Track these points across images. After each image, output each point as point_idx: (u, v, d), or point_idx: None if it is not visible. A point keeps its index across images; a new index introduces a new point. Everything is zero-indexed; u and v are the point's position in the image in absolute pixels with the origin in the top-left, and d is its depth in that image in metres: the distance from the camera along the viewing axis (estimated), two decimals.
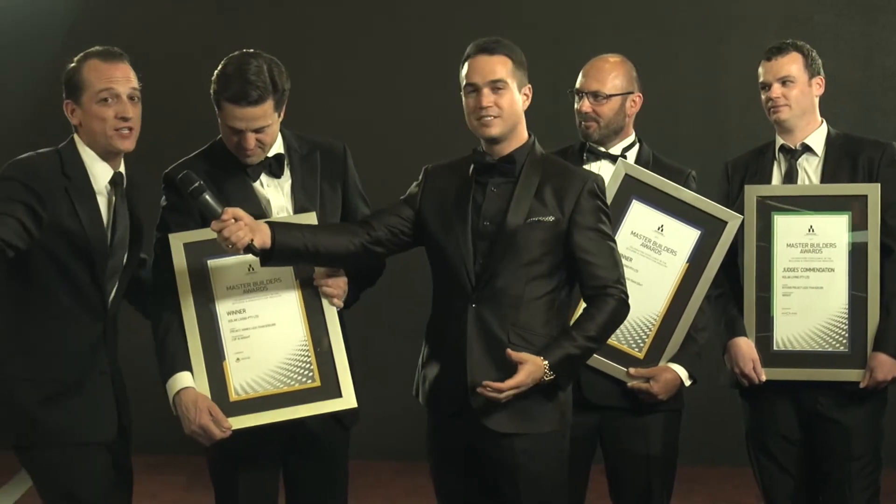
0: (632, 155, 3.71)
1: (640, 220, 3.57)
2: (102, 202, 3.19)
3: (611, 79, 3.65)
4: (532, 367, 3.07)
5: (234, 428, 3.14)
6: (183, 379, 3.15)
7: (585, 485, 3.72)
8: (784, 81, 3.77)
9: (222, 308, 3.23)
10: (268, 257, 3.13)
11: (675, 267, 3.58)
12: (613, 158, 3.67)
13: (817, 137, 3.83)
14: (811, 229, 3.71)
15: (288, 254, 3.14)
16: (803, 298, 3.70)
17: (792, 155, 3.82)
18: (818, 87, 3.83)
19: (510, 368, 3.08)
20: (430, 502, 3.43)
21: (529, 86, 3.26)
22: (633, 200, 3.57)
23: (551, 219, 3.17)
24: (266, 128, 3.21)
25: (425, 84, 6.25)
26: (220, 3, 6.60)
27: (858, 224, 3.68)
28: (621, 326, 3.48)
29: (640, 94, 3.73)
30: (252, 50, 3.25)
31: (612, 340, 3.53)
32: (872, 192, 3.67)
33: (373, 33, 6.51)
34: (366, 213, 3.41)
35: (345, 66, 6.50)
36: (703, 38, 6.32)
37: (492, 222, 3.18)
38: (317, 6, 6.55)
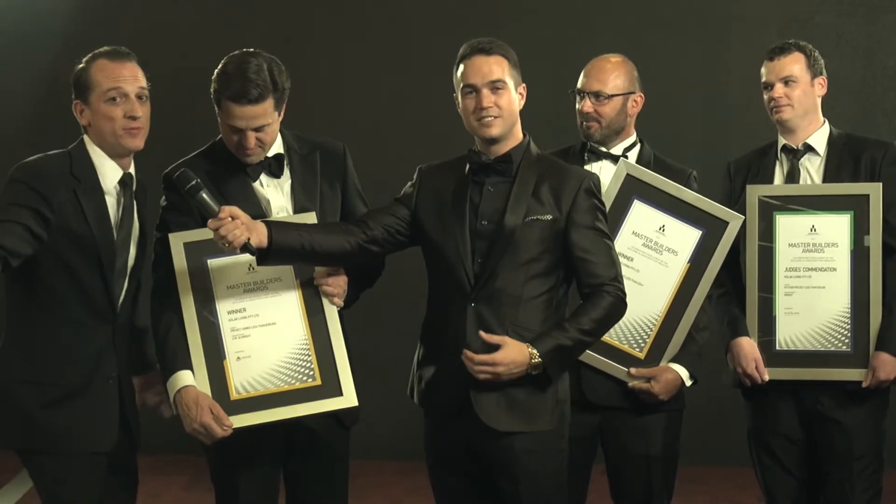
0: (633, 155, 3.71)
1: (641, 220, 3.57)
2: (111, 202, 3.19)
3: (612, 79, 3.65)
4: (513, 350, 3.08)
5: (235, 426, 3.14)
6: (184, 377, 3.15)
7: (586, 485, 3.72)
8: (786, 81, 3.77)
9: (222, 307, 3.23)
10: (264, 256, 3.13)
11: (677, 267, 3.57)
12: (615, 158, 3.67)
13: (819, 137, 3.83)
14: (813, 229, 3.71)
15: (285, 253, 3.14)
16: (805, 298, 3.70)
17: (794, 155, 3.82)
18: (821, 87, 3.83)
19: None
20: (431, 502, 3.43)
21: (524, 84, 3.27)
22: (635, 200, 3.57)
23: (549, 217, 3.18)
24: (266, 127, 3.22)
25: (425, 84, 6.24)
26: (220, 3, 6.60)
27: (860, 224, 3.68)
28: (622, 326, 3.49)
29: (642, 94, 3.73)
30: (252, 49, 3.26)
31: (613, 340, 3.54)
32: (874, 191, 3.67)
33: (373, 33, 6.51)
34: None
35: (344, 66, 6.50)
36: (704, 38, 6.32)
37: (490, 222, 3.18)
38: (317, 6, 6.55)
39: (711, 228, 3.57)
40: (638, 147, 3.74)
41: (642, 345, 3.57)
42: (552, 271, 3.21)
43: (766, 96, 3.84)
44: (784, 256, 3.72)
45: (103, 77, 3.12)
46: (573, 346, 3.16)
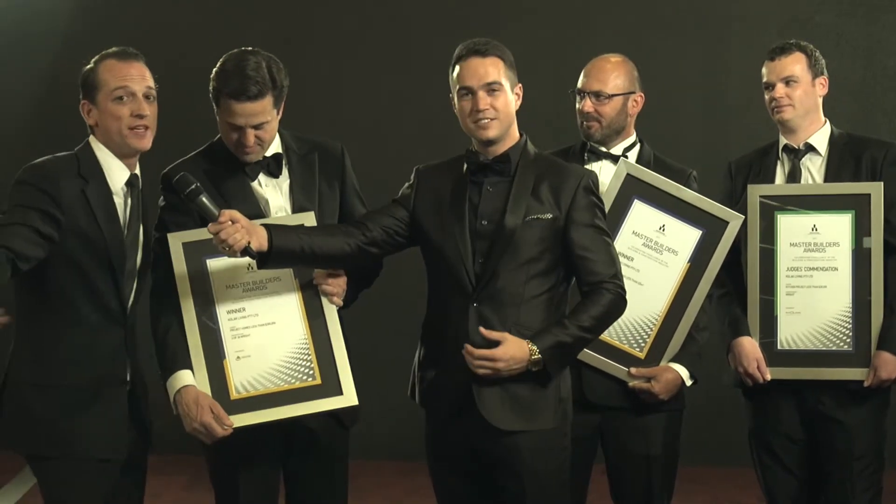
0: (633, 155, 3.71)
1: (641, 219, 3.57)
2: (119, 203, 3.18)
3: (612, 78, 3.65)
4: (513, 346, 3.09)
5: (235, 426, 3.14)
6: (184, 377, 3.15)
7: (586, 485, 3.72)
8: (788, 81, 3.77)
9: (222, 307, 3.23)
10: (265, 260, 3.13)
11: (677, 267, 3.57)
12: (615, 158, 3.67)
13: (820, 137, 3.83)
14: (814, 228, 3.71)
15: (285, 256, 3.14)
16: (807, 298, 3.70)
17: (795, 155, 3.82)
18: (822, 87, 3.83)
19: None
20: (432, 502, 3.43)
21: (520, 85, 3.26)
22: (635, 200, 3.57)
23: (549, 216, 3.18)
24: (265, 124, 3.22)
25: (425, 84, 6.24)
26: (220, 3, 6.60)
27: (862, 223, 3.68)
28: (622, 326, 3.49)
29: (642, 94, 3.73)
30: (250, 48, 3.26)
31: (614, 340, 3.54)
32: (876, 191, 3.67)
33: (373, 33, 6.51)
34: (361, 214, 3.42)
35: (344, 66, 6.50)
36: (704, 38, 6.32)
37: (490, 222, 3.19)
38: (317, 6, 6.55)
39: (711, 228, 3.57)
40: (638, 147, 3.74)
41: (642, 344, 3.57)
42: (552, 270, 3.21)
43: (767, 96, 3.84)
44: (785, 256, 3.72)
45: (111, 76, 3.11)
46: (573, 342, 3.16)
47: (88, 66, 3.16)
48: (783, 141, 3.85)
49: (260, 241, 3.09)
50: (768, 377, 3.70)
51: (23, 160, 3.25)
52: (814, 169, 3.82)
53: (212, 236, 3.08)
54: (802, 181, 3.80)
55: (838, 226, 3.70)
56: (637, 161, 3.68)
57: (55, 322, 3.11)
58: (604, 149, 3.69)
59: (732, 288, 3.80)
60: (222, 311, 3.23)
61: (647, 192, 3.57)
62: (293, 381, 3.21)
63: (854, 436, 3.70)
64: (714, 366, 3.89)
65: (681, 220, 3.57)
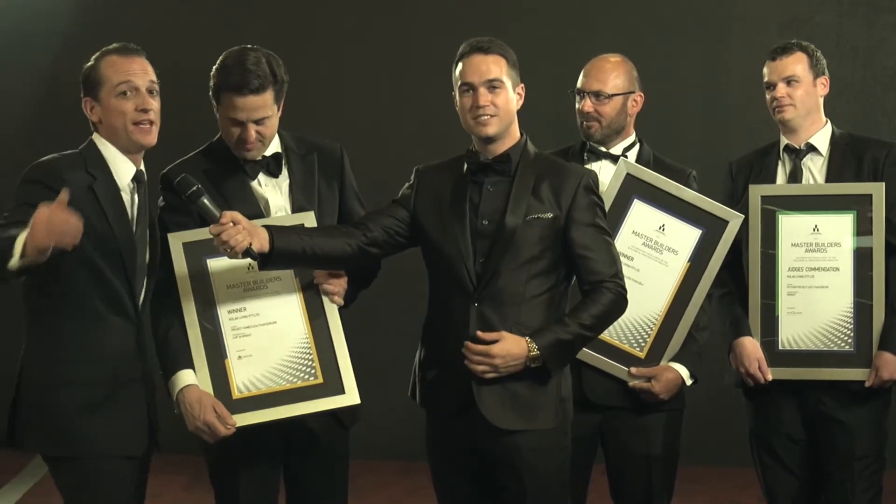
0: (632, 155, 3.72)
1: (641, 219, 3.57)
2: (126, 199, 3.14)
3: (612, 78, 3.66)
4: (510, 342, 3.10)
5: (238, 425, 3.14)
6: (186, 376, 3.15)
7: (586, 485, 3.72)
8: (789, 81, 3.77)
9: (223, 307, 3.23)
10: (266, 261, 3.13)
11: (677, 266, 3.58)
12: (614, 158, 3.67)
13: (822, 137, 3.83)
14: (816, 229, 3.71)
15: (286, 257, 3.14)
16: (808, 298, 3.70)
17: (796, 155, 3.82)
18: (823, 87, 3.83)
19: None
20: (432, 502, 3.43)
21: (522, 85, 3.27)
22: (635, 200, 3.57)
23: (550, 215, 3.18)
24: (266, 120, 3.23)
25: (425, 84, 6.24)
26: (220, 3, 6.61)
27: (863, 223, 3.67)
28: (622, 325, 3.49)
29: (642, 94, 3.73)
30: (250, 45, 3.27)
31: (614, 340, 3.54)
32: (877, 191, 3.67)
33: (373, 33, 6.52)
34: (362, 215, 3.42)
35: (344, 66, 6.50)
36: (704, 38, 6.32)
37: (490, 221, 3.19)
38: (317, 6, 6.55)
39: (711, 228, 3.57)
40: (637, 147, 3.74)
41: (643, 344, 3.57)
42: (553, 269, 3.21)
43: (768, 96, 3.84)
44: (787, 256, 3.72)
45: (113, 72, 3.10)
46: (573, 340, 3.16)
47: (89, 64, 3.14)
48: (784, 141, 3.85)
49: (261, 242, 3.09)
50: (769, 377, 3.70)
51: (23, 160, 3.24)
52: (815, 169, 3.82)
53: (212, 237, 3.09)
54: (804, 181, 3.80)
55: (840, 226, 3.70)
56: (637, 161, 3.68)
57: (70, 320, 3.07)
58: (603, 149, 3.69)
59: (734, 288, 3.80)
60: (223, 311, 3.23)
61: (646, 191, 3.57)
62: (295, 380, 3.21)
63: (855, 436, 3.70)
64: (715, 366, 3.89)
65: (681, 220, 3.57)
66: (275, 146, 3.35)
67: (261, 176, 3.33)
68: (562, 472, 3.25)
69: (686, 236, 3.57)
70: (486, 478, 3.25)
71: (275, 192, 3.34)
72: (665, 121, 5.96)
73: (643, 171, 3.60)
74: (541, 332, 3.13)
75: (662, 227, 3.58)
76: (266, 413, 3.17)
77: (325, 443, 3.36)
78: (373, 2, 6.55)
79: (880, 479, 3.78)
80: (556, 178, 3.22)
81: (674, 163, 3.77)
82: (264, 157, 3.32)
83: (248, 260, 3.18)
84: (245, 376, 3.20)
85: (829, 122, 3.86)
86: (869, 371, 3.66)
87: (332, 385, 3.21)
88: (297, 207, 3.33)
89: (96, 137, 3.15)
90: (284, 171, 3.35)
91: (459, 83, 3.23)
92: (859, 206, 3.68)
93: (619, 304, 3.21)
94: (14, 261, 2.73)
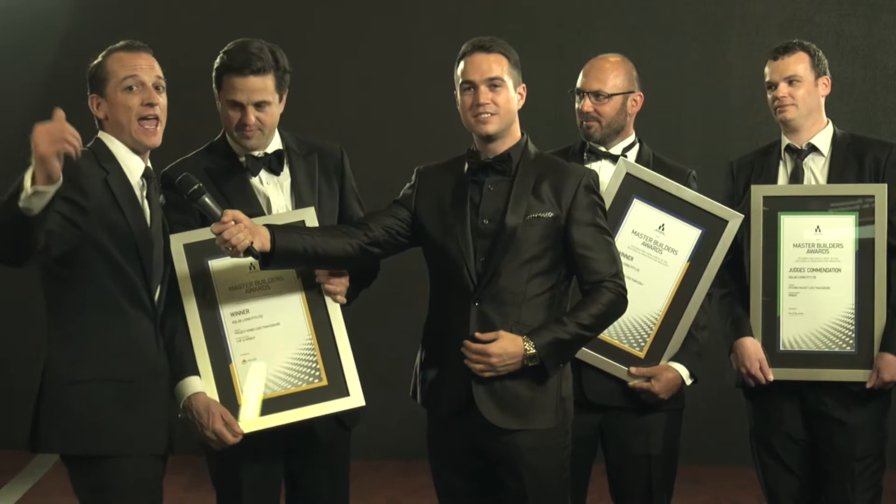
0: (632, 155, 3.71)
1: (641, 218, 3.57)
2: (138, 195, 3.11)
3: (612, 78, 3.65)
4: (507, 341, 3.10)
5: (245, 431, 3.14)
6: (193, 384, 3.15)
7: (586, 485, 3.72)
8: (791, 81, 3.77)
9: (226, 309, 3.22)
10: (267, 260, 3.13)
11: (676, 266, 3.57)
12: (614, 158, 3.67)
13: (823, 137, 3.82)
14: (818, 229, 3.71)
15: (287, 256, 3.14)
16: (810, 298, 3.69)
17: (798, 155, 3.82)
18: (824, 86, 3.83)
19: None
20: (433, 502, 3.43)
21: (524, 85, 3.27)
22: (635, 199, 3.57)
23: (550, 215, 3.18)
24: (266, 106, 3.24)
25: (425, 84, 6.25)
26: (220, 3, 6.61)
27: (865, 225, 3.67)
28: (622, 325, 3.49)
29: (641, 94, 3.73)
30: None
31: (613, 339, 3.54)
32: (880, 192, 3.66)
33: (373, 33, 6.52)
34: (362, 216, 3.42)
35: (344, 66, 6.50)
36: (704, 37, 6.32)
37: (491, 220, 3.19)
38: (317, 6, 6.55)
39: (711, 227, 3.57)
40: (637, 147, 3.74)
41: (642, 344, 3.57)
42: (554, 269, 3.21)
43: (769, 96, 3.83)
44: (788, 257, 3.72)
45: (119, 66, 3.08)
46: (571, 339, 3.16)
47: (96, 61, 3.14)
48: (785, 141, 3.85)
49: (263, 241, 3.09)
50: (771, 378, 3.70)
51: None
52: (816, 169, 3.81)
53: (213, 236, 3.08)
54: (805, 181, 3.80)
55: (842, 227, 3.69)
56: (636, 161, 3.68)
57: (91, 314, 3.01)
58: (603, 148, 3.69)
59: (735, 288, 3.80)
60: (226, 314, 3.22)
61: (646, 191, 3.57)
62: (300, 383, 3.20)
63: (856, 436, 3.70)
64: (715, 365, 3.89)
65: (680, 220, 3.57)
66: (276, 144, 3.35)
67: (262, 174, 3.33)
68: (562, 471, 3.25)
69: (686, 236, 3.57)
70: (487, 477, 3.25)
71: (276, 190, 3.34)
72: (665, 121, 5.96)
73: (643, 170, 3.60)
74: (539, 331, 3.13)
75: (662, 227, 3.58)
76: (272, 419, 3.17)
77: (327, 444, 3.36)
78: (373, 2, 6.56)
79: (880, 480, 3.78)
80: (557, 178, 3.22)
81: (674, 163, 3.76)
82: (266, 153, 3.33)
83: (250, 260, 3.17)
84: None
85: (830, 123, 3.86)
86: (870, 372, 3.65)
87: (337, 387, 3.21)
88: (298, 206, 3.33)
89: (102, 134, 3.12)
90: (286, 170, 3.35)
91: (461, 81, 3.23)
92: (861, 207, 3.67)
93: (619, 304, 3.21)
94: (26, 191, 2.64)
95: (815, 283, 3.70)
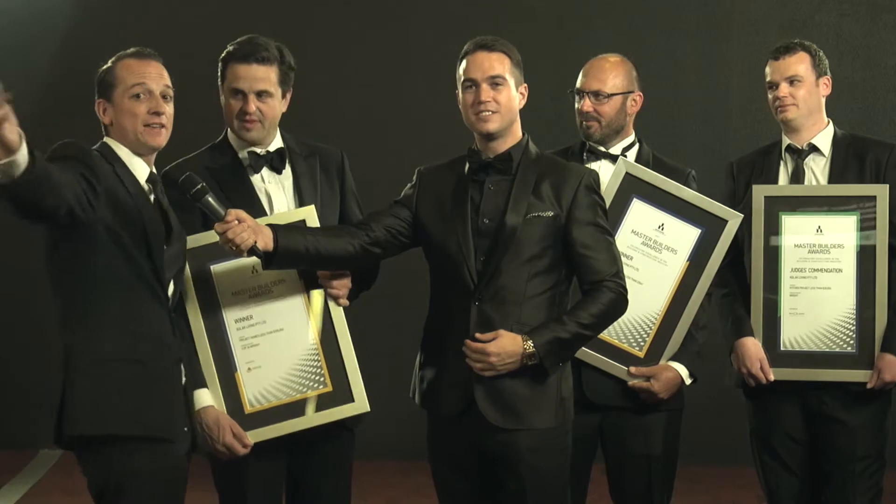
0: (632, 154, 3.72)
1: (640, 218, 3.57)
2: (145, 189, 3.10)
3: (611, 78, 3.66)
4: (506, 339, 3.10)
5: (253, 442, 3.16)
6: (204, 397, 3.16)
7: (587, 485, 3.72)
8: (792, 81, 3.76)
9: (230, 316, 3.22)
10: (270, 260, 3.13)
11: (676, 265, 3.58)
12: (614, 158, 3.68)
13: (824, 138, 3.82)
14: (819, 230, 3.71)
15: (290, 256, 3.14)
16: (811, 299, 3.69)
17: (799, 155, 3.82)
18: (825, 87, 3.83)
19: None
20: (433, 502, 3.43)
21: (525, 85, 3.28)
22: (634, 199, 3.57)
23: (550, 214, 3.19)
24: (269, 97, 3.26)
25: (425, 85, 6.26)
26: (220, 3, 6.61)
27: (867, 225, 3.67)
28: (622, 325, 3.49)
29: (641, 94, 3.73)
30: None
31: (613, 339, 3.54)
32: (882, 192, 3.66)
33: (373, 33, 6.52)
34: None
35: (344, 66, 6.51)
36: (704, 37, 6.33)
37: (491, 220, 3.19)
38: (317, 6, 6.55)
39: (711, 227, 3.57)
40: (637, 147, 3.74)
41: (642, 343, 3.57)
42: (554, 268, 3.21)
43: (770, 96, 3.83)
44: (790, 257, 3.72)
45: (128, 73, 3.08)
46: (571, 339, 3.16)
47: (105, 66, 3.14)
48: (786, 141, 3.85)
49: (266, 240, 3.09)
50: (772, 377, 3.69)
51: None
52: (817, 170, 3.81)
53: (215, 239, 3.09)
54: (806, 182, 3.79)
55: (843, 227, 3.69)
56: (636, 161, 3.68)
57: (107, 294, 2.98)
58: (603, 148, 3.69)
59: (735, 287, 3.80)
60: (230, 320, 3.22)
61: (646, 190, 3.57)
62: (305, 389, 3.21)
63: (856, 436, 3.70)
64: (715, 365, 3.89)
65: (680, 219, 3.57)
66: (278, 142, 3.37)
67: (264, 172, 3.33)
68: (562, 471, 3.25)
69: (685, 235, 3.57)
70: (487, 477, 3.25)
71: (278, 189, 3.35)
72: (665, 121, 5.97)
73: (642, 170, 3.60)
74: (538, 330, 3.13)
75: (662, 227, 3.58)
76: (279, 428, 3.19)
77: (329, 444, 3.36)
78: (373, 2, 6.56)
79: (881, 480, 3.78)
80: (558, 177, 3.23)
81: (673, 162, 3.77)
82: (268, 151, 3.33)
83: (253, 264, 3.18)
84: (255, 389, 3.21)
85: (830, 123, 3.86)
86: (871, 373, 3.65)
87: (342, 393, 3.22)
88: (299, 206, 3.33)
89: (108, 139, 3.13)
90: (287, 170, 3.36)
91: (462, 79, 3.23)
92: (863, 208, 3.67)
93: (619, 303, 3.21)
94: None
95: (817, 283, 3.70)
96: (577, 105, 3.71)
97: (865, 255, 3.67)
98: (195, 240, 3.20)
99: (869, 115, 6.11)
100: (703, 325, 3.66)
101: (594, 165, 3.66)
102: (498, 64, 3.20)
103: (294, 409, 3.21)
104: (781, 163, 3.85)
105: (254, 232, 3.06)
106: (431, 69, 5.76)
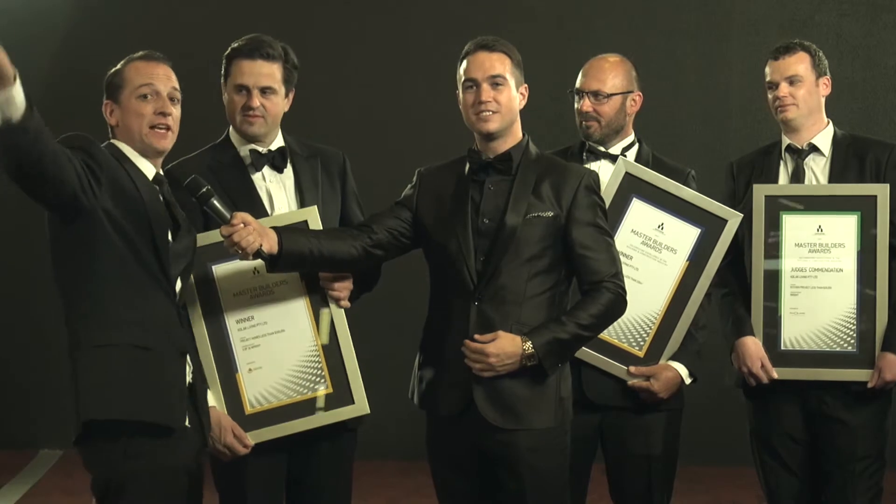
0: (631, 154, 3.72)
1: (640, 218, 3.57)
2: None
3: (611, 78, 3.66)
4: (504, 340, 3.10)
5: (253, 443, 3.17)
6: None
7: (587, 485, 3.72)
8: (791, 81, 3.77)
9: (231, 317, 3.23)
10: (275, 263, 3.13)
11: (676, 265, 3.58)
12: (613, 158, 3.68)
13: (824, 138, 3.82)
14: (820, 229, 3.71)
15: (294, 259, 3.15)
16: (811, 298, 3.69)
17: (799, 155, 3.82)
18: (825, 87, 3.83)
19: None
20: (433, 502, 3.43)
21: (526, 85, 3.28)
22: (634, 199, 3.57)
23: (550, 214, 3.19)
24: (272, 94, 3.28)
25: (425, 85, 6.26)
26: (220, 4, 6.61)
27: (867, 225, 3.67)
28: (621, 324, 3.49)
29: (640, 94, 3.73)
30: None
31: (613, 339, 3.54)
32: (882, 192, 3.66)
33: (373, 33, 6.52)
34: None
35: (344, 66, 6.51)
36: (704, 37, 6.33)
37: (491, 220, 3.19)
38: (317, 6, 6.55)
39: (710, 226, 3.57)
40: (636, 146, 3.74)
41: (642, 343, 3.57)
42: (554, 268, 3.22)
43: (770, 96, 3.83)
44: (790, 256, 3.72)
45: (136, 74, 3.09)
46: (570, 339, 3.16)
47: (114, 69, 3.15)
48: (786, 141, 3.85)
49: (271, 243, 3.10)
50: (774, 375, 3.69)
51: None
52: (817, 169, 3.81)
53: (217, 240, 3.10)
54: (806, 182, 3.79)
55: (844, 227, 3.69)
56: (636, 160, 3.68)
57: (112, 283, 2.96)
58: (602, 148, 3.70)
59: (736, 287, 3.80)
60: (231, 321, 3.23)
61: (645, 190, 3.57)
62: (305, 391, 3.22)
63: (856, 436, 3.70)
64: (715, 365, 3.89)
65: (680, 219, 3.57)
66: (280, 142, 3.37)
67: (266, 171, 3.34)
68: (562, 471, 3.25)
69: (685, 235, 3.57)
70: (487, 477, 3.25)
71: (279, 188, 3.35)
72: (665, 121, 5.97)
73: (642, 169, 3.60)
74: (537, 331, 3.13)
75: (661, 226, 3.58)
76: (279, 429, 3.19)
77: (330, 444, 3.36)
78: (373, 2, 6.56)
79: (881, 480, 3.78)
80: (557, 178, 3.23)
81: (673, 162, 3.77)
82: (270, 150, 3.34)
83: (254, 265, 3.18)
84: (256, 390, 3.21)
85: (830, 123, 3.86)
86: (871, 372, 3.65)
87: (342, 395, 3.23)
88: (301, 206, 3.34)
89: (114, 141, 3.12)
90: (289, 169, 3.37)
91: (463, 79, 3.24)
92: (864, 208, 3.67)
93: (618, 304, 3.21)
94: None
95: (817, 282, 3.70)
96: (576, 105, 3.71)
97: (866, 255, 3.68)
98: (197, 240, 3.20)
99: (869, 115, 6.11)
100: (703, 324, 3.66)
101: (594, 165, 3.66)
102: (498, 64, 3.20)
103: (294, 410, 3.21)
104: (781, 163, 3.85)
105: (259, 235, 3.07)
106: (431, 69, 5.76)
